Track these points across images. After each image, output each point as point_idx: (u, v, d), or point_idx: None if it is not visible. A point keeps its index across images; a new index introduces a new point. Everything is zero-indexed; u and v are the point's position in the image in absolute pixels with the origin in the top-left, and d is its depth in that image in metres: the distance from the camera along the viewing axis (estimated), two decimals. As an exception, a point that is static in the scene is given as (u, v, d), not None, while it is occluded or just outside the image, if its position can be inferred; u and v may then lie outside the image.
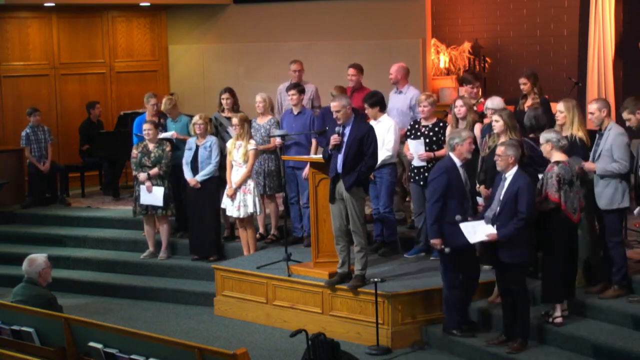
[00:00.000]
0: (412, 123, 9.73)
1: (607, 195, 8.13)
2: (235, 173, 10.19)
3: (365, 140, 8.59)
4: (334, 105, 8.70)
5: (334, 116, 8.72)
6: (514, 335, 7.90)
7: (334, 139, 8.63)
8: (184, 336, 8.81)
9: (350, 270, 8.95)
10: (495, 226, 7.74)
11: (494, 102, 9.05)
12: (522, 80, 9.54)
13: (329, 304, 9.06)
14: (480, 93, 10.15)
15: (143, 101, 11.60)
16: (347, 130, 8.64)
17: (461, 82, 10.49)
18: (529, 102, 9.46)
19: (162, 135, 10.99)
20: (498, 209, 7.74)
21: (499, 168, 7.81)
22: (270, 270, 9.60)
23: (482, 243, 7.94)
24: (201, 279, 10.51)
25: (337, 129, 8.67)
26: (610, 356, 7.54)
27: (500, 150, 7.80)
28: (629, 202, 8.17)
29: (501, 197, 7.73)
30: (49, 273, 7.87)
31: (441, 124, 9.49)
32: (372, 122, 9.61)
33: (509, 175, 7.73)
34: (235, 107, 10.92)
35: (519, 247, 7.70)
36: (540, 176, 7.96)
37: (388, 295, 8.60)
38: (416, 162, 9.47)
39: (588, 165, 8.16)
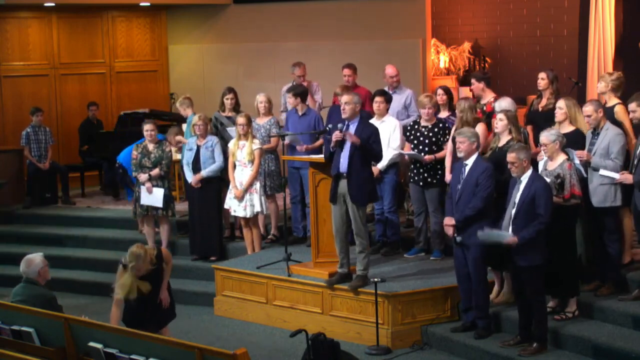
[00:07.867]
0: (411, 123, 9.72)
1: (601, 193, 8.14)
2: (240, 173, 10.17)
3: (372, 140, 8.56)
4: (345, 98, 8.63)
5: (342, 108, 8.65)
6: (530, 338, 7.79)
7: (336, 135, 8.56)
8: (184, 336, 8.78)
9: (350, 270, 8.94)
10: (510, 229, 7.64)
11: (507, 102, 9.08)
12: (542, 75, 9.31)
13: (329, 304, 9.06)
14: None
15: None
16: (352, 129, 8.58)
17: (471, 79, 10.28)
18: (543, 102, 9.28)
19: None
20: (514, 212, 7.64)
21: (515, 174, 7.68)
22: (270, 270, 9.59)
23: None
24: (201, 279, 10.51)
25: (339, 125, 8.59)
26: (610, 356, 7.54)
27: (511, 157, 7.64)
28: (621, 202, 8.18)
29: (517, 200, 7.63)
30: (47, 271, 7.85)
31: (441, 125, 9.47)
32: (375, 122, 9.62)
33: (524, 178, 7.64)
34: (236, 107, 10.93)
35: (536, 249, 7.59)
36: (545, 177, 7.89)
37: (388, 295, 8.60)
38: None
39: (580, 152, 8.10)
